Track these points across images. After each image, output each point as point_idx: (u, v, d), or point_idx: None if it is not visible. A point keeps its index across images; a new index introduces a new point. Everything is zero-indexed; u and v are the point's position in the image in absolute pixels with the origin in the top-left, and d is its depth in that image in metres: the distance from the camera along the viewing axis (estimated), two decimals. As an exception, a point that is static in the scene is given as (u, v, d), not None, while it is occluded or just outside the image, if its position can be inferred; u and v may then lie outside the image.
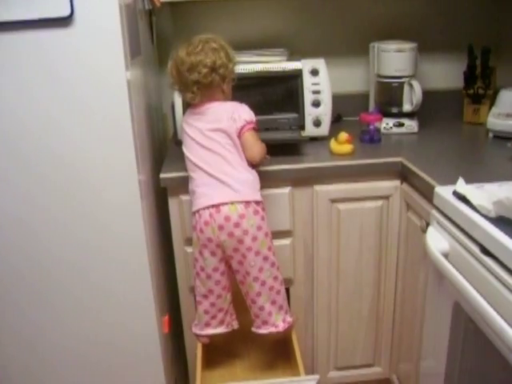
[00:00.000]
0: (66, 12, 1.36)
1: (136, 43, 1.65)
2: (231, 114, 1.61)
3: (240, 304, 1.73)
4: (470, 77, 2.20)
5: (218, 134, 1.59)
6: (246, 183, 1.58)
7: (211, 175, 1.57)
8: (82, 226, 1.58)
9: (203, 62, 1.57)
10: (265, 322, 1.66)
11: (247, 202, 1.56)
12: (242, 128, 1.60)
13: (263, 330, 1.67)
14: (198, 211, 1.58)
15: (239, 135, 1.61)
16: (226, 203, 1.54)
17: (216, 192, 1.56)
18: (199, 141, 1.60)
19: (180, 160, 1.81)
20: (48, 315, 1.67)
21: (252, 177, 1.61)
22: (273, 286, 1.63)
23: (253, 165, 1.64)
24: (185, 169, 1.71)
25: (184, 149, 1.65)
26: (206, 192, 1.57)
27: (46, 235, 1.58)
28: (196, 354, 1.79)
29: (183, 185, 1.70)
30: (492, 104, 2.04)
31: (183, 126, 1.67)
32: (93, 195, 1.55)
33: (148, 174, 1.73)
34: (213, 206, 1.55)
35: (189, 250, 1.80)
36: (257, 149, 1.63)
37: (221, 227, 1.55)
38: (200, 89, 1.60)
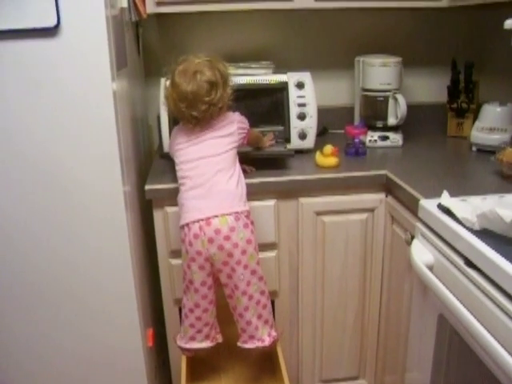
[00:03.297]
0: (52, 22, 1.35)
1: (122, 55, 1.65)
2: (237, 122, 1.65)
3: (224, 317, 1.72)
4: (453, 91, 2.23)
5: (223, 139, 1.61)
6: (236, 195, 1.57)
7: (201, 186, 1.56)
8: (66, 236, 1.56)
9: (201, 100, 1.56)
10: (251, 337, 1.65)
11: (237, 214, 1.55)
12: (248, 131, 1.70)
13: (250, 345, 1.66)
14: (187, 224, 1.56)
15: (245, 139, 1.70)
16: (217, 216, 1.53)
17: (205, 204, 1.55)
18: (195, 149, 1.60)
19: (165, 172, 1.81)
20: (31, 328, 1.64)
21: (241, 188, 1.61)
22: (259, 300, 1.62)
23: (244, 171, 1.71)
24: (170, 181, 1.71)
25: (175, 159, 1.65)
26: (195, 205, 1.56)
27: (29, 244, 1.56)
28: (180, 367, 1.78)
29: (168, 197, 1.70)
30: (475, 118, 2.07)
31: (176, 136, 1.66)
32: (77, 206, 1.54)
33: (133, 185, 1.73)
34: (203, 219, 1.54)
35: (173, 262, 1.79)
36: (259, 138, 1.84)
37: (211, 240, 1.53)
38: (199, 121, 1.60)
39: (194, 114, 1.58)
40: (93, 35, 1.40)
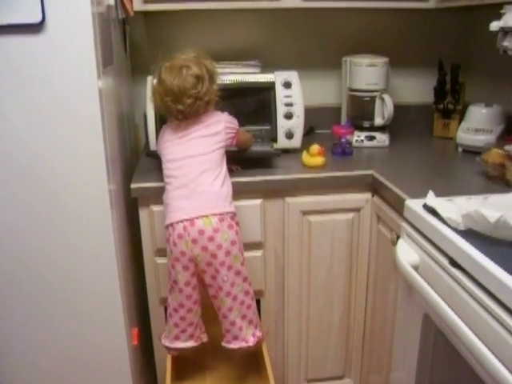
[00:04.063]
0: (37, 18, 1.34)
1: (109, 52, 1.64)
2: (224, 122, 1.64)
3: (210, 316, 1.71)
4: (440, 92, 2.24)
5: (210, 139, 1.60)
6: (221, 196, 1.57)
7: (186, 186, 1.55)
8: (50, 234, 1.55)
9: (187, 93, 1.57)
10: (235, 337, 1.64)
11: (221, 215, 1.54)
12: (237, 132, 1.68)
13: (233, 345, 1.65)
14: (171, 224, 1.55)
15: (233, 139, 1.67)
16: (200, 216, 1.53)
17: (190, 205, 1.54)
18: (182, 148, 1.59)
19: (151, 170, 1.81)
20: (15, 328, 1.63)
21: (227, 189, 1.60)
22: (243, 300, 1.62)
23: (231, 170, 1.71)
24: (156, 179, 1.70)
25: (162, 157, 1.64)
26: (180, 205, 1.55)
27: (13, 243, 1.54)
28: (166, 366, 1.77)
29: (154, 195, 1.69)
30: (461, 119, 2.08)
31: (163, 134, 1.66)
32: (62, 205, 1.52)
33: (119, 184, 1.72)
34: (187, 219, 1.53)
35: (159, 261, 1.79)
36: (250, 140, 1.82)
37: (194, 241, 1.53)
38: (186, 116, 1.60)
39: (179, 108, 1.58)
40: (78, 32, 1.39)
